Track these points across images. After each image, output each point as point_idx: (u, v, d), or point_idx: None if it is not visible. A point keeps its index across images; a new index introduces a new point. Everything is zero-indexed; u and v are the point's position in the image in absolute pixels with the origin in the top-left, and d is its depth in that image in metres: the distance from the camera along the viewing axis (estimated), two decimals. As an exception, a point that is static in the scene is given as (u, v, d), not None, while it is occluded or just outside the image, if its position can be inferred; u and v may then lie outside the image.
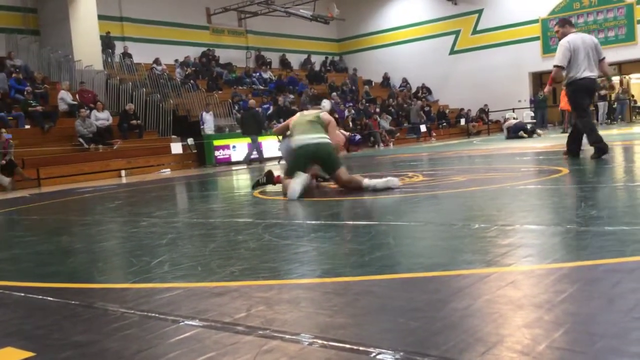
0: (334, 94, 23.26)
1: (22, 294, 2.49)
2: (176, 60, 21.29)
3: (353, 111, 21.79)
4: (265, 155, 16.29)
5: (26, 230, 5.11)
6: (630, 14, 23.34)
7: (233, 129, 17.48)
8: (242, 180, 9.83)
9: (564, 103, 19.10)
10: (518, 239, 2.73)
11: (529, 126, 17.69)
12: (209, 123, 16.89)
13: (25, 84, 14.92)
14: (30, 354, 1.72)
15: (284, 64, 26.85)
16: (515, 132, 17.55)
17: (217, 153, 16.04)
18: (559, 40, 7.37)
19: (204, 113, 16.94)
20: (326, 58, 29.68)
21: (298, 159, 5.64)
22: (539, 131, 17.31)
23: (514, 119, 18.78)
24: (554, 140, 13.07)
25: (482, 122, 25.54)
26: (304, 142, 5.66)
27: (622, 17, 23.53)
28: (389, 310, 1.84)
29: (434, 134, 23.71)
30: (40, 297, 2.42)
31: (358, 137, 5.69)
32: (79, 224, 5.10)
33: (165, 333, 1.81)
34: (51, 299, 2.36)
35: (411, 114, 23.81)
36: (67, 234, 4.49)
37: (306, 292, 2.17)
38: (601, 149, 6.96)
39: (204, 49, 23.72)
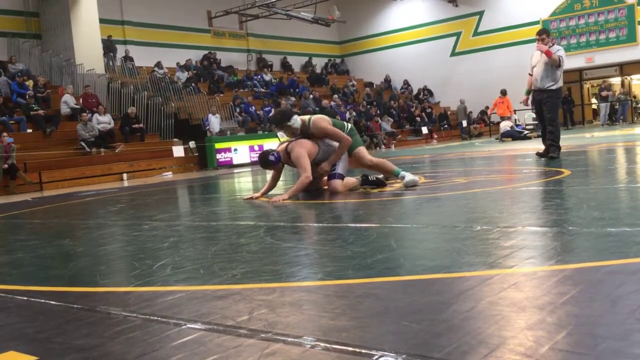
0: (335, 96, 23.29)
1: (25, 298, 2.50)
2: (177, 64, 21.33)
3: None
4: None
5: (29, 234, 5.12)
6: (631, 15, 23.33)
7: (235, 131, 17.52)
8: (243, 183, 9.84)
9: (502, 110, 19.16)
10: (520, 241, 2.72)
11: (525, 131, 17.79)
12: (214, 125, 16.95)
13: (27, 88, 14.96)
14: (33, 358, 1.72)
15: (285, 66, 26.88)
16: (505, 136, 17.70)
17: (218, 156, 16.06)
18: (544, 47, 7.81)
19: (210, 115, 17.00)
20: (329, 60, 29.71)
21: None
22: (529, 134, 17.47)
23: (510, 127, 18.66)
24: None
25: (484, 124, 25.52)
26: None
27: (623, 18, 23.52)
28: (392, 312, 1.84)
29: (435, 136, 23.72)
30: (42, 300, 2.42)
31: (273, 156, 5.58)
32: (81, 228, 5.10)
33: (168, 336, 1.81)
34: (54, 302, 2.36)
35: (458, 113, 23.79)
36: (70, 237, 4.49)
37: (308, 294, 2.16)
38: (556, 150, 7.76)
39: (205, 52, 23.75)
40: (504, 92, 19.30)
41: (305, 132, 5.88)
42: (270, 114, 19.14)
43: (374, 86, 27.65)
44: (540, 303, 1.80)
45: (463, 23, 27.29)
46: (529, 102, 8.29)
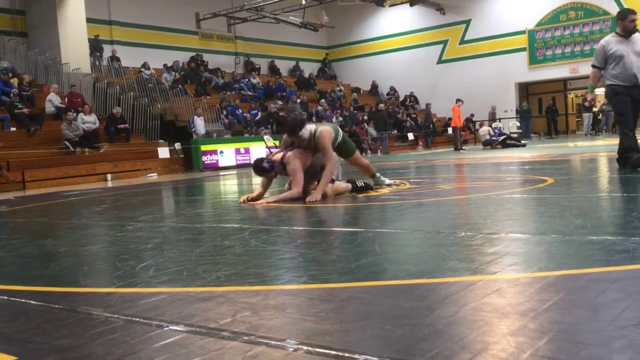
0: (323, 100, 23.32)
1: (5, 298, 2.46)
2: (164, 65, 21.22)
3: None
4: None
5: (10, 233, 5.06)
6: (615, 26, 23.61)
7: (221, 134, 17.45)
8: (229, 185, 9.80)
9: (457, 119, 19.16)
10: (503, 248, 2.74)
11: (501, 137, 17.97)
12: (200, 127, 16.87)
13: (12, 86, 14.81)
14: (12, 358, 1.70)
15: (273, 70, 26.86)
16: (486, 144, 17.81)
17: (204, 158, 16.00)
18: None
19: (196, 117, 16.93)
20: (323, 58, 29.77)
21: None
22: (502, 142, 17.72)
23: (489, 134, 18.70)
24: (540, 150, 13.18)
25: (469, 132, 25.67)
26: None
27: (608, 29, 23.77)
28: (375, 316, 1.84)
29: (421, 143, 23.83)
30: (23, 300, 2.39)
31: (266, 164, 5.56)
32: (64, 228, 5.05)
33: (150, 338, 1.79)
34: (34, 302, 2.34)
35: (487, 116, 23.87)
36: (52, 237, 4.44)
37: (292, 298, 2.16)
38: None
39: (193, 53, 23.68)
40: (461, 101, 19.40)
41: (310, 144, 5.65)
42: (257, 118, 19.16)
43: (383, 99, 27.05)
44: (523, 309, 1.80)
45: (450, 31, 27.47)
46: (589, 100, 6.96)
